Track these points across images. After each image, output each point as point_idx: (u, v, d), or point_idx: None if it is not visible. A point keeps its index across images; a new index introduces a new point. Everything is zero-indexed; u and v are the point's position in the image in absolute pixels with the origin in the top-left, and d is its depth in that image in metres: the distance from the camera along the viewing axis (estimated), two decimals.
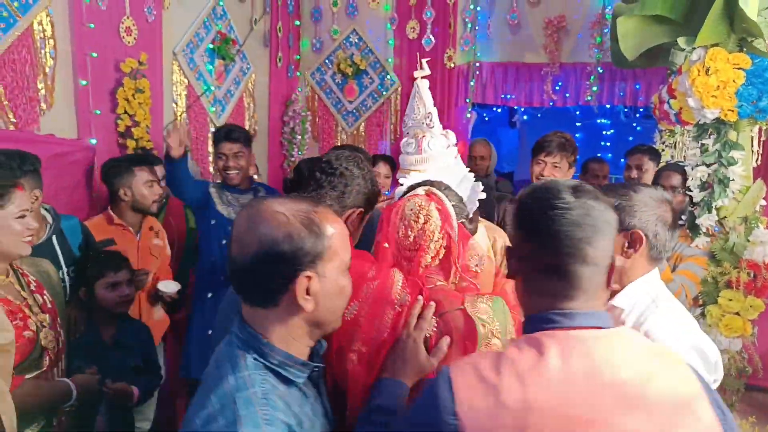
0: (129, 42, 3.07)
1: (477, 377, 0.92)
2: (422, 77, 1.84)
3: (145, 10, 3.19)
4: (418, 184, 1.44)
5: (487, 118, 6.29)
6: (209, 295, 2.82)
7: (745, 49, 2.25)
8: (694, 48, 2.31)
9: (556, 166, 2.53)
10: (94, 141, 2.84)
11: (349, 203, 1.46)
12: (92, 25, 2.84)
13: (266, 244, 0.95)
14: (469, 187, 1.67)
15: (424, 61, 1.83)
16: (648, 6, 2.41)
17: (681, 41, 2.29)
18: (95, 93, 2.87)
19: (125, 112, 3.02)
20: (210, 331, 2.85)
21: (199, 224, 2.94)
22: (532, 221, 0.99)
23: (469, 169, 1.82)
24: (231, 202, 2.85)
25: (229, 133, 2.85)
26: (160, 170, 2.85)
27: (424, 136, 1.81)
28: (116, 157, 2.84)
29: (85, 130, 2.85)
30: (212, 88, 3.87)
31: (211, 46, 3.83)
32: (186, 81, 3.64)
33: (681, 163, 2.71)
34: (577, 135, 6.94)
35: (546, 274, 0.97)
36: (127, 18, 3.06)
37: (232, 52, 3.99)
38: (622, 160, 6.81)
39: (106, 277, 2.15)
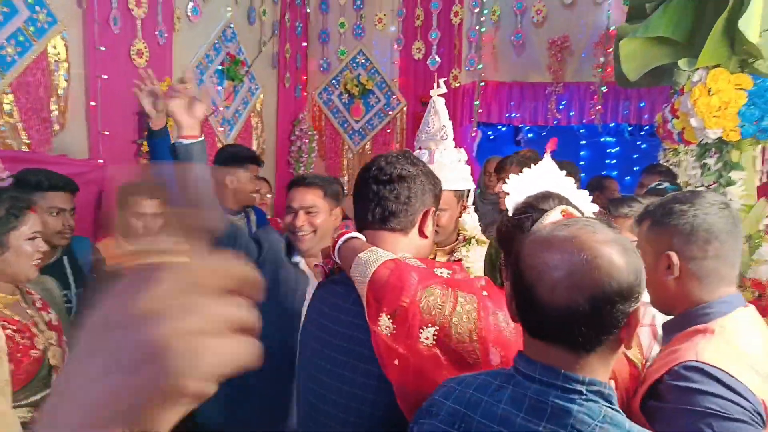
0: (140, 64, 3.14)
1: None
2: (439, 95, 1.93)
3: (157, 33, 3.27)
4: (538, 198, 1.24)
5: (492, 137, 6.33)
6: None
7: (746, 70, 2.28)
8: (696, 69, 2.34)
9: None
10: (101, 161, 2.90)
11: (418, 207, 1.26)
12: (104, 48, 2.91)
13: (621, 279, 0.81)
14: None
15: (441, 80, 1.93)
16: (651, 28, 2.45)
17: (682, 63, 2.33)
18: (105, 114, 2.93)
19: None
20: None
21: None
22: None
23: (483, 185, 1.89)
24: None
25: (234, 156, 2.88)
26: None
27: (437, 148, 1.88)
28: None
29: (95, 150, 2.90)
30: (221, 108, 3.94)
31: (220, 67, 3.90)
32: None
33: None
34: (582, 153, 6.96)
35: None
36: (139, 41, 3.13)
37: (241, 73, 4.06)
38: (627, 178, 6.83)
39: None
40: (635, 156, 6.69)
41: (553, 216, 1.16)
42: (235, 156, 2.88)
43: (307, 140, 4.83)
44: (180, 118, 1.68)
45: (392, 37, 4.84)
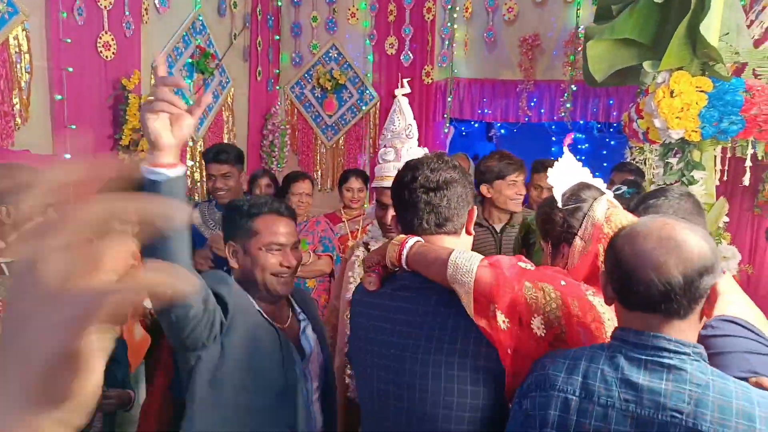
0: (107, 57, 3.08)
1: None
2: (403, 95, 1.96)
3: (124, 24, 3.20)
4: (580, 188, 1.45)
5: (464, 133, 6.39)
6: None
7: (707, 73, 2.34)
8: (660, 71, 2.40)
9: (513, 182, 2.62)
10: (68, 156, 2.84)
11: (465, 208, 1.33)
12: (69, 40, 2.84)
13: (705, 256, 1.02)
14: None
15: (405, 80, 1.95)
16: (618, 30, 2.49)
17: (646, 65, 2.38)
18: (71, 108, 2.87)
19: (131, 128, 3.10)
20: None
21: None
22: None
23: None
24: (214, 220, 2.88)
25: (217, 154, 2.88)
26: None
27: (403, 146, 1.91)
28: None
29: (60, 145, 2.84)
30: (191, 101, 3.87)
31: (190, 60, 3.84)
32: None
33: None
34: (552, 149, 7.07)
35: None
36: (105, 33, 3.06)
37: (211, 67, 4.01)
38: (596, 174, 6.96)
39: None
40: (604, 152, 6.84)
41: (602, 205, 1.40)
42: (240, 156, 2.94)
43: (279, 134, 4.80)
44: (161, 141, 1.15)
45: (365, 32, 4.83)
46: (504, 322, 1.15)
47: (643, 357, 1.04)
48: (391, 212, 1.89)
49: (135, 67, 3.27)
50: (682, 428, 0.98)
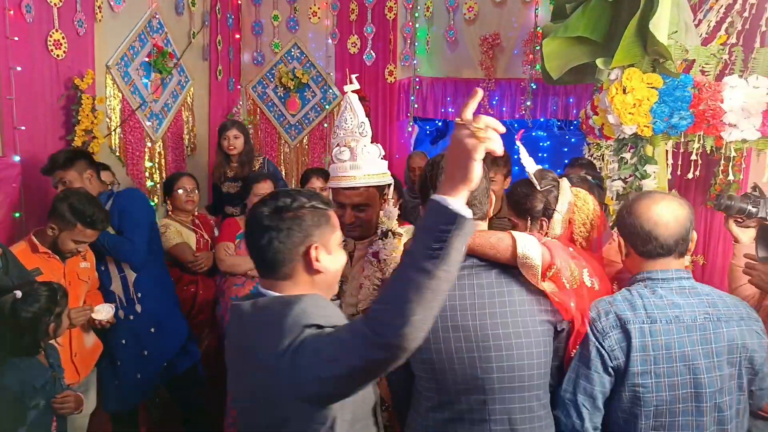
0: (58, 56, 2.98)
1: None
2: (353, 91, 1.93)
3: (76, 22, 3.11)
4: (544, 174, 1.86)
5: (429, 131, 6.43)
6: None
7: (657, 70, 2.40)
8: (613, 68, 2.45)
9: (492, 180, 2.65)
10: (17, 158, 2.74)
11: (488, 199, 1.64)
12: (16, 38, 2.74)
13: (690, 215, 1.58)
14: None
15: (353, 76, 1.92)
16: (571, 28, 2.54)
17: (599, 62, 2.43)
18: (21, 109, 2.77)
19: (84, 129, 3.03)
20: (145, 352, 2.80)
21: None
22: None
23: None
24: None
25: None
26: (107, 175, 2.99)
27: (357, 144, 1.89)
28: None
29: (9, 147, 2.74)
30: (148, 102, 3.79)
31: (146, 59, 3.76)
32: (120, 95, 3.55)
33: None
34: (515, 146, 7.17)
35: None
36: (56, 31, 2.97)
37: (170, 66, 3.93)
38: (558, 171, 7.09)
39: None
40: (565, 149, 6.96)
41: (566, 184, 1.83)
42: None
43: None
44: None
45: (327, 31, 4.81)
46: (567, 281, 1.49)
47: (673, 286, 1.56)
48: (350, 212, 1.88)
49: (88, 67, 3.18)
50: (713, 322, 1.51)
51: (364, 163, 1.85)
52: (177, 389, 3.09)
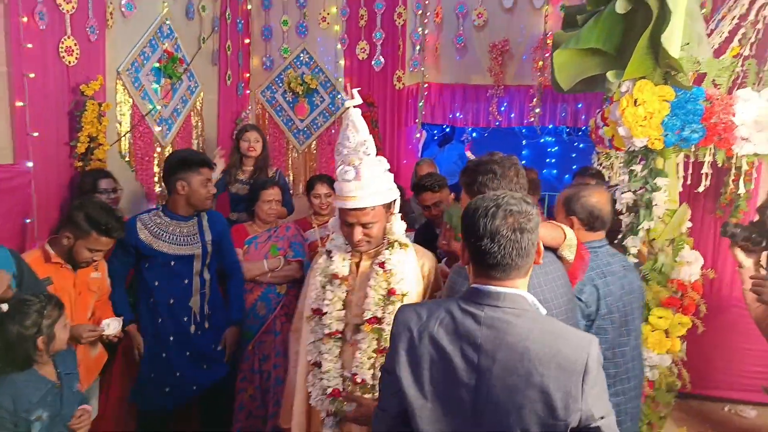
0: (70, 62, 3.00)
1: None
2: (354, 106, 1.87)
3: (87, 29, 3.12)
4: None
5: (436, 136, 6.44)
6: (159, 320, 2.80)
7: (669, 82, 2.40)
8: (624, 80, 2.45)
9: None
10: (30, 164, 2.75)
11: None
12: (30, 45, 2.75)
13: None
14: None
15: (355, 90, 1.87)
16: (583, 40, 2.53)
17: (610, 75, 2.42)
18: (33, 115, 2.78)
19: (88, 135, 3.03)
20: (164, 354, 2.82)
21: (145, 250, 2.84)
22: None
23: None
24: (168, 233, 2.83)
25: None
26: (108, 183, 2.97)
27: (361, 163, 1.84)
28: None
29: (22, 153, 2.76)
30: (158, 107, 3.81)
31: (157, 65, 3.77)
32: (131, 100, 3.57)
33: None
34: (523, 152, 7.17)
35: None
36: (68, 38, 2.98)
37: (179, 71, 3.95)
38: (566, 177, 7.07)
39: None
40: (573, 155, 6.96)
41: None
42: (186, 160, 2.83)
43: None
44: None
45: (336, 36, 4.81)
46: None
47: (605, 250, 2.17)
48: (358, 230, 1.87)
49: (99, 73, 3.19)
50: (628, 271, 2.18)
51: (368, 183, 1.82)
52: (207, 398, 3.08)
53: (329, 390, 1.92)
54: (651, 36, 2.29)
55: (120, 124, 3.51)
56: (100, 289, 2.57)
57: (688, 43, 2.44)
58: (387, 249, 1.94)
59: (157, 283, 2.79)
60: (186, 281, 2.84)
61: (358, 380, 1.89)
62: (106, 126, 3.18)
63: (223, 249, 2.97)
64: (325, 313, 1.96)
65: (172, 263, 2.79)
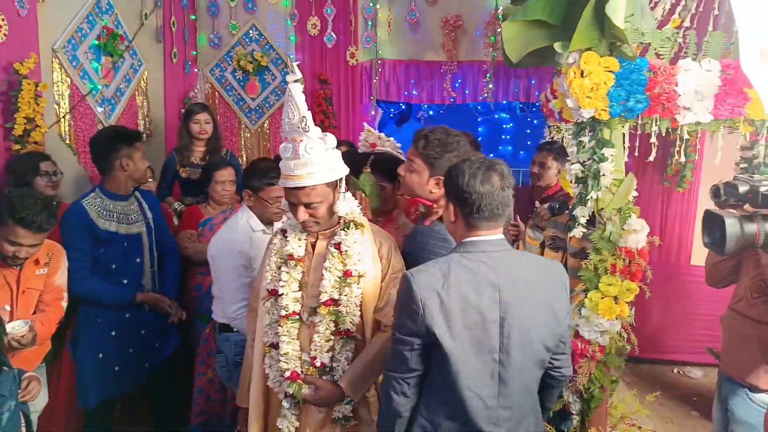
0: None
1: None
2: (294, 81, 1.79)
3: (17, 3, 2.94)
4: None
5: (393, 114, 6.41)
6: (98, 320, 2.75)
7: (614, 53, 2.42)
8: (571, 51, 2.46)
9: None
10: None
11: None
12: None
13: None
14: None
15: (294, 64, 1.79)
16: (530, 11, 2.52)
17: (557, 46, 2.43)
18: None
19: (24, 116, 2.89)
20: (116, 333, 2.76)
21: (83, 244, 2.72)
22: None
23: None
24: (115, 213, 2.75)
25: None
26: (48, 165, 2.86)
27: (301, 141, 1.77)
28: None
29: None
30: (99, 86, 3.64)
31: (96, 42, 3.60)
32: (69, 80, 3.40)
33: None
34: (479, 129, 7.21)
35: None
36: None
37: (121, 49, 3.78)
38: (521, 153, 7.18)
39: None
40: (528, 131, 7.05)
41: None
42: (126, 136, 2.78)
43: None
44: None
45: (286, 12, 4.69)
46: None
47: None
48: (302, 210, 1.82)
49: (32, 50, 3.02)
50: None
51: (308, 161, 1.76)
52: (155, 383, 3.05)
53: (288, 372, 1.88)
54: (595, 7, 2.30)
55: (59, 105, 3.34)
56: (47, 286, 2.43)
57: (632, 15, 2.47)
58: (343, 230, 1.90)
59: (114, 266, 2.76)
60: (138, 260, 2.84)
61: (317, 364, 1.86)
62: (44, 107, 3.02)
63: (160, 227, 3.00)
64: (282, 294, 1.91)
65: (125, 244, 2.78)
